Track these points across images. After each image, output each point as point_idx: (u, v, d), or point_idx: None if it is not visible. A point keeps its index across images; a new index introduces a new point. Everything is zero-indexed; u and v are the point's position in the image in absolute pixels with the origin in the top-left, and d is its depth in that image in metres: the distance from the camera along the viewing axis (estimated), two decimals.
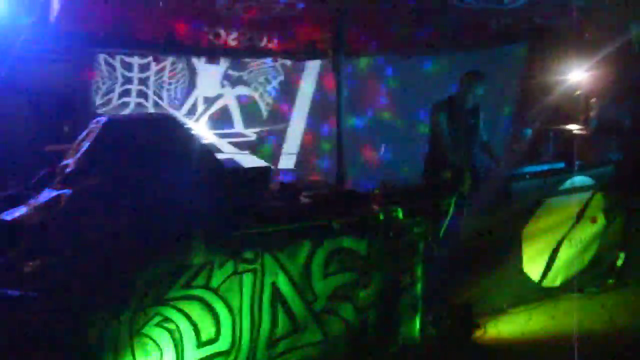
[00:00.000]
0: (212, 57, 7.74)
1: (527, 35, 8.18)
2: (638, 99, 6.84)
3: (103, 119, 4.15)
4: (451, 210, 4.93)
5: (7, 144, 6.73)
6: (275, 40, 7.49)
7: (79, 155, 3.95)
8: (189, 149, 4.10)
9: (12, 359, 3.36)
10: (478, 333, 5.19)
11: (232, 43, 7.60)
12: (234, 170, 4.47)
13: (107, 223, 3.69)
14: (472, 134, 6.38)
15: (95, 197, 3.75)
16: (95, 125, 4.11)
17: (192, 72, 8.79)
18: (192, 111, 8.79)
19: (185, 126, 4.27)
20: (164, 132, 4.05)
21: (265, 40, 7.62)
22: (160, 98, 8.62)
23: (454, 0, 6.90)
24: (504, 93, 8.59)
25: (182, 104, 8.77)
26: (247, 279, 4.25)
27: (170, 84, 8.65)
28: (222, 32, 7.64)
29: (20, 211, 3.73)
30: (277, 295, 4.36)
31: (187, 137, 4.16)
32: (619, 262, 6.28)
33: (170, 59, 8.53)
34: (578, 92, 7.65)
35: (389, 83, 9.20)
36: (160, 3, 6.95)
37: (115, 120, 4.19)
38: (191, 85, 8.76)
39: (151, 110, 8.51)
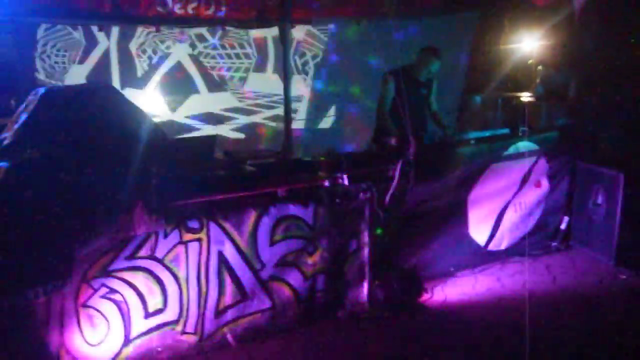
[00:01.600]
0: (158, 26, 7.61)
1: (477, 3, 8.23)
2: (582, 66, 6.95)
3: (41, 90, 4.06)
4: (396, 176, 4.97)
5: None
6: (224, 9, 7.37)
7: (16, 127, 3.86)
8: (129, 118, 4.03)
9: None
10: (425, 297, 5.28)
11: (179, 12, 7.47)
12: (178, 139, 4.42)
13: (46, 196, 3.63)
14: (421, 104, 6.43)
15: (34, 169, 3.67)
16: (33, 96, 4.02)
17: None
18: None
19: (123, 95, 4.19)
20: (103, 101, 3.97)
21: (213, 8, 7.50)
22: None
23: None
24: (454, 61, 8.63)
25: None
26: (193, 247, 4.26)
27: None
28: (169, 1, 7.50)
29: None
30: (223, 263, 4.38)
31: (126, 106, 4.09)
32: (563, 226, 6.43)
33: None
34: (528, 61, 7.74)
35: (338, 50, 9.16)
36: None
37: (53, 90, 4.08)
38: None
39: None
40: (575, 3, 6.67)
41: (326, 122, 9.13)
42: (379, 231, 5.00)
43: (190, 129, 8.59)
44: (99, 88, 4.21)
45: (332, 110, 9.19)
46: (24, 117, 3.88)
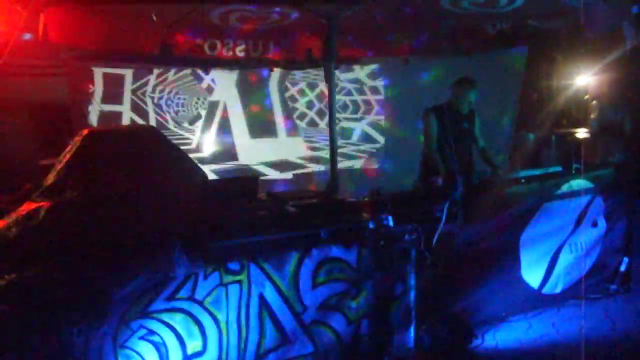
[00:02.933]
0: (207, 68, 7.76)
1: (526, 38, 8.11)
2: (637, 100, 6.72)
3: (84, 131, 4.12)
4: (444, 216, 4.83)
5: (6, 159, 6.77)
6: (272, 50, 7.48)
7: (59, 167, 3.92)
8: (170, 160, 4.05)
9: None
10: (475, 343, 5.07)
11: (228, 54, 7.60)
12: (219, 180, 4.41)
13: (84, 237, 3.64)
14: (465, 139, 6.32)
15: (75, 209, 3.71)
16: (78, 137, 4.09)
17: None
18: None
19: (166, 137, 4.23)
20: (144, 143, 4.01)
21: (261, 50, 7.62)
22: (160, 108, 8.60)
23: (448, 6, 6.85)
24: (504, 98, 8.48)
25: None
26: (233, 290, 4.19)
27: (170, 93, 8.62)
28: (218, 43, 7.66)
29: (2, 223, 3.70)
30: (264, 306, 4.29)
31: (168, 148, 4.12)
32: (622, 267, 6.14)
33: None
34: (581, 96, 7.57)
35: (385, 92, 9.14)
36: (154, 16, 6.97)
37: (95, 132, 4.15)
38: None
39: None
40: (626, 36, 6.48)
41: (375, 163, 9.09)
42: (426, 274, 4.84)
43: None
44: (142, 130, 4.26)
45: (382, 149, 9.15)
46: (67, 157, 3.95)
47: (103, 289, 3.68)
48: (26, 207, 3.71)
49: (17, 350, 3.39)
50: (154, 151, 4.06)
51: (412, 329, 4.83)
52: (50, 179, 3.81)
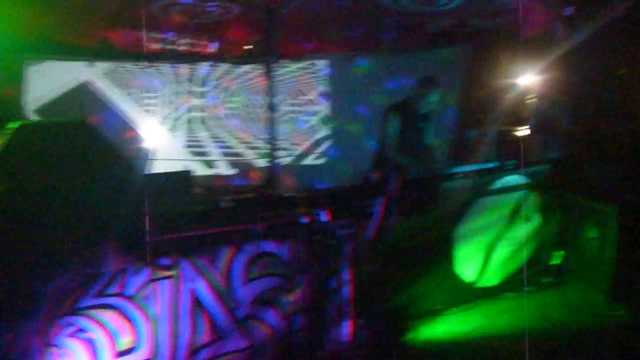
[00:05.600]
0: (149, 61, 7.65)
1: (467, 37, 8.23)
2: (574, 99, 6.89)
3: (14, 125, 4.02)
4: (379, 211, 4.87)
5: None
6: (213, 44, 7.43)
7: None
8: (102, 154, 3.98)
9: None
10: (410, 336, 5.13)
11: (169, 47, 7.52)
12: (153, 174, 4.36)
13: (12, 231, 3.56)
14: (421, 137, 6.37)
15: (3, 204, 3.62)
16: (7, 131, 3.98)
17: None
18: None
19: (99, 131, 4.15)
20: (76, 137, 3.93)
21: (203, 44, 7.56)
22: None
23: (389, 2, 6.90)
24: (446, 95, 8.59)
25: None
26: (165, 285, 4.14)
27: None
28: (158, 37, 7.56)
29: None
30: (197, 302, 4.26)
31: (100, 142, 4.05)
32: (556, 261, 6.29)
33: None
34: (522, 95, 7.70)
35: (328, 87, 9.17)
36: (92, 10, 6.85)
37: (26, 125, 4.04)
38: None
39: None
40: (556, 36, 6.64)
41: (315, 159, 9.09)
42: (361, 268, 4.87)
43: None
44: (74, 124, 4.17)
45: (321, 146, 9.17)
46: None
47: (30, 284, 3.60)
48: None
49: None
50: (86, 145, 3.97)
51: (347, 324, 4.84)
52: None
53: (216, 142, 8.69)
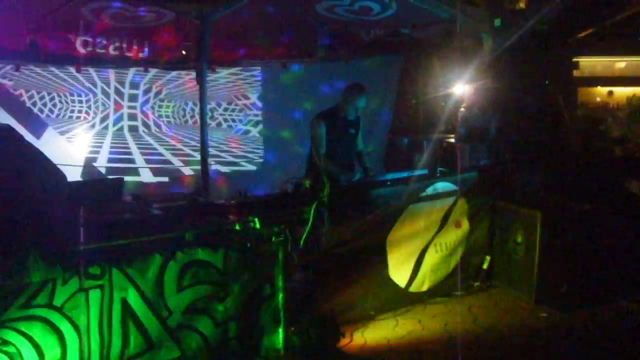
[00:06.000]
0: (79, 66, 7.48)
1: (400, 46, 8.38)
2: (500, 107, 7.10)
3: None
4: (311, 218, 4.90)
5: None
6: (145, 49, 7.32)
7: None
8: (27, 161, 3.88)
9: None
10: (344, 342, 5.17)
11: (100, 52, 7.38)
12: (83, 182, 4.27)
13: None
14: (350, 144, 6.46)
15: None
16: None
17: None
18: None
19: (22, 137, 4.04)
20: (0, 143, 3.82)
21: (134, 49, 7.44)
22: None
23: (324, 12, 6.97)
24: (379, 103, 8.74)
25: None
26: (94, 295, 4.05)
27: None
28: (90, 41, 7.40)
29: None
30: (127, 311, 4.17)
31: (24, 148, 3.94)
32: (485, 265, 6.45)
33: None
34: (454, 103, 7.89)
35: (261, 94, 9.17)
36: (21, 12, 6.66)
37: None
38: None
39: None
40: (485, 46, 6.85)
41: (250, 165, 9.08)
42: (293, 275, 4.89)
43: None
44: None
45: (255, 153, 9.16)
46: None
47: None
48: None
49: None
50: (7, 151, 3.86)
51: (281, 330, 4.85)
52: None
53: (147, 148, 8.57)
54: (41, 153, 4.05)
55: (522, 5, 7.09)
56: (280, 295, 4.81)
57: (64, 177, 4.14)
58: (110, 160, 8.47)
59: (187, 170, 8.55)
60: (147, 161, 8.58)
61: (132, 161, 8.53)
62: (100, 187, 4.64)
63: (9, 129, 4.32)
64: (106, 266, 4.08)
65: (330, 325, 5.13)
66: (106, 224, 4.23)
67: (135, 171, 8.42)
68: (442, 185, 6.05)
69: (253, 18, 7.48)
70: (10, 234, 3.69)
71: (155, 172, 8.63)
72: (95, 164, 8.20)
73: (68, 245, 3.93)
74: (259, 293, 4.74)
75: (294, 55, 8.04)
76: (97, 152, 8.46)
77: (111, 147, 8.57)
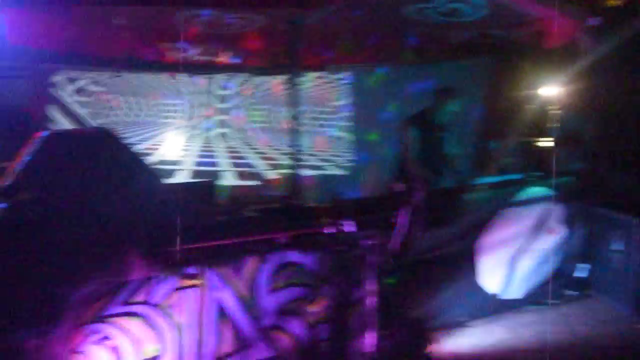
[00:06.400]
0: (172, 72, 7.73)
1: (490, 48, 8.21)
2: (597, 110, 6.84)
3: (43, 134, 4.08)
4: (402, 222, 4.86)
5: None
6: (235, 55, 7.49)
7: (15, 168, 3.87)
8: (125, 163, 4.02)
9: None
10: (434, 347, 5.10)
11: (193, 58, 7.59)
12: (176, 184, 4.39)
13: (39, 239, 3.60)
14: (441, 148, 6.38)
15: (30, 211, 3.67)
16: (35, 140, 4.04)
17: None
18: None
19: (121, 140, 4.20)
20: (100, 146, 3.98)
21: (225, 55, 7.63)
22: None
23: (413, 14, 6.92)
24: (470, 106, 8.58)
25: None
26: (190, 294, 4.15)
27: None
28: (182, 48, 7.63)
29: None
30: (222, 310, 4.26)
31: (122, 150, 4.10)
32: (581, 273, 6.22)
33: None
34: (546, 106, 7.67)
35: (350, 98, 9.18)
36: (117, 20, 6.93)
37: (52, 134, 4.11)
38: None
39: None
40: (583, 47, 6.60)
41: (338, 169, 9.08)
42: (385, 279, 4.85)
43: None
44: (97, 133, 4.22)
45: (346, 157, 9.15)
46: (25, 159, 3.90)
47: (57, 291, 3.63)
48: None
49: None
50: (109, 153, 4.02)
51: (371, 335, 4.82)
52: (6, 180, 3.76)
53: (236, 152, 8.74)
54: (137, 155, 4.20)
55: (618, 2, 6.80)
56: (372, 299, 4.78)
57: (159, 178, 4.27)
58: (199, 164, 8.66)
59: (277, 174, 8.63)
60: (236, 164, 8.73)
61: (220, 165, 8.71)
62: (192, 189, 4.75)
63: (106, 131, 4.51)
64: (202, 266, 4.18)
65: (420, 331, 5.07)
66: (201, 225, 4.32)
67: (224, 175, 8.59)
68: (535, 190, 5.88)
69: (341, 22, 7.50)
70: (111, 233, 3.82)
71: (245, 176, 8.77)
72: (184, 168, 8.42)
73: (166, 246, 4.04)
74: (350, 296, 4.74)
75: (381, 58, 8.02)
76: (187, 156, 8.67)
77: (201, 151, 8.76)
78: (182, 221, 4.18)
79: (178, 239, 4.13)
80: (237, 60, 7.53)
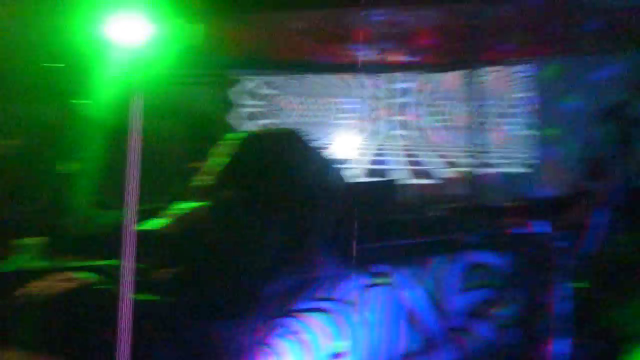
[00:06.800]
0: (348, 73, 7.83)
1: None
2: None
3: (241, 135, 4.30)
4: (598, 223, 4.57)
5: (157, 162, 7.17)
6: (410, 54, 7.45)
7: (214, 169, 4.10)
8: (313, 161, 4.14)
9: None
10: (626, 358, 4.74)
11: (367, 58, 7.64)
12: (358, 183, 4.44)
13: (238, 236, 3.79)
14: (634, 144, 5.96)
15: (230, 210, 3.87)
16: (232, 141, 4.25)
17: None
18: None
19: (308, 139, 4.31)
20: (290, 145, 4.13)
21: (400, 54, 7.61)
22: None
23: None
24: None
25: None
26: (378, 292, 4.17)
27: None
28: (356, 48, 7.69)
29: (159, 222, 3.94)
30: (409, 310, 4.24)
31: (309, 150, 4.22)
32: None
33: None
34: None
35: (529, 88, 8.77)
36: (299, 25, 7.13)
37: (250, 136, 4.34)
38: None
39: None
40: None
41: (522, 166, 8.71)
42: (577, 284, 4.59)
43: None
44: (286, 133, 4.38)
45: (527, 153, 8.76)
46: (223, 160, 4.11)
47: (251, 286, 3.80)
48: (184, 206, 3.93)
49: (168, 342, 3.57)
50: (300, 153, 4.15)
51: (562, 341, 4.59)
52: (206, 180, 4.00)
53: (416, 151, 8.67)
54: (323, 154, 4.28)
55: None
56: (562, 304, 4.55)
57: (343, 177, 4.33)
58: (373, 163, 8.71)
59: (455, 173, 8.46)
60: (411, 163, 8.67)
61: (395, 164, 8.69)
62: (376, 188, 4.77)
63: (294, 132, 4.64)
64: (390, 265, 4.18)
65: (612, 339, 4.73)
66: (387, 224, 4.33)
67: (399, 173, 8.57)
68: None
69: (517, 13, 7.21)
70: (302, 231, 3.93)
71: (421, 175, 8.69)
72: (358, 166, 8.50)
73: (354, 243, 4.09)
74: (540, 300, 4.53)
75: (560, 48, 7.60)
76: (361, 156, 8.74)
77: (376, 151, 8.79)
78: (368, 219, 4.21)
79: (364, 238, 4.16)
80: (412, 58, 7.47)
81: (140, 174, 3.63)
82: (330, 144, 8.47)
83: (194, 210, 3.88)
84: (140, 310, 3.46)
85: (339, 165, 5.29)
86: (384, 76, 8.40)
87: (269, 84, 8.71)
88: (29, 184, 5.36)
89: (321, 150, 4.35)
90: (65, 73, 5.83)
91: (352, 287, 4.11)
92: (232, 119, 8.19)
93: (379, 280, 4.16)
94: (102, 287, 3.66)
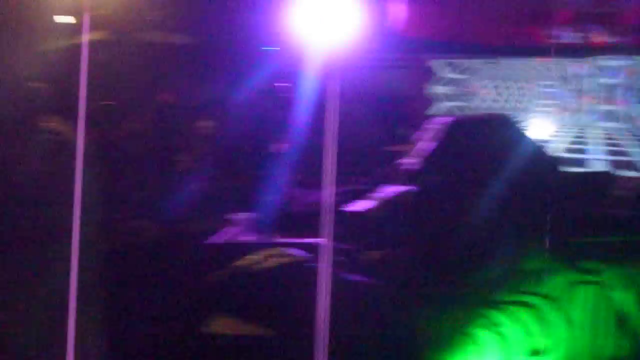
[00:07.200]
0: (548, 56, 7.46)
1: None
2: None
3: (446, 119, 4.25)
4: None
5: (352, 145, 7.33)
6: (614, 35, 6.97)
7: (422, 153, 4.09)
8: (527, 149, 3.99)
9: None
10: None
11: (568, 41, 7.27)
12: (572, 174, 4.23)
13: (448, 221, 3.77)
14: None
15: (439, 195, 3.86)
16: (437, 126, 4.21)
17: None
18: None
19: (520, 125, 4.17)
20: (500, 131, 4.01)
21: (604, 36, 7.14)
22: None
23: None
24: None
25: None
26: (588, 291, 3.96)
27: None
28: (557, 31, 7.34)
29: (364, 204, 4.01)
30: (620, 312, 3.98)
31: (521, 136, 4.08)
32: None
33: None
34: None
35: None
36: (499, 7, 6.94)
37: (458, 120, 4.29)
38: None
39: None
40: None
41: None
42: None
43: None
44: (497, 118, 4.27)
45: None
46: (430, 145, 4.09)
47: (458, 274, 3.78)
48: (392, 190, 3.98)
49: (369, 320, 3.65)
50: (511, 139, 4.03)
51: None
52: (412, 164, 4.00)
53: (627, 140, 8.07)
54: (536, 140, 4.13)
55: None
56: None
57: (557, 166, 4.14)
58: (572, 151, 8.22)
59: None
60: (615, 152, 8.07)
61: (598, 153, 8.14)
62: (590, 180, 4.51)
63: (505, 116, 4.52)
64: (601, 263, 3.95)
65: None
66: (599, 218, 4.09)
67: (600, 164, 8.04)
68: None
69: None
70: (512, 220, 3.83)
71: (626, 167, 8.07)
72: (564, 156, 8.08)
73: (564, 237, 3.92)
74: None
75: None
76: (562, 143, 8.30)
77: (577, 139, 8.30)
78: (581, 212, 4.02)
79: (574, 231, 3.98)
80: (616, 40, 6.96)
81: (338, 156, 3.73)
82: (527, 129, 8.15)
83: (400, 194, 3.90)
84: (342, 290, 3.58)
85: (551, 153, 5.08)
86: (585, 60, 7.88)
87: (462, 68, 8.54)
88: (237, 163, 5.68)
89: (534, 137, 4.19)
90: (272, 57, 6.10)
91: (559, 282, 3.95)
92: (427, 103, 8.13)
93: (587, 278, 3.95)
94: (310, 264, 3.81)
